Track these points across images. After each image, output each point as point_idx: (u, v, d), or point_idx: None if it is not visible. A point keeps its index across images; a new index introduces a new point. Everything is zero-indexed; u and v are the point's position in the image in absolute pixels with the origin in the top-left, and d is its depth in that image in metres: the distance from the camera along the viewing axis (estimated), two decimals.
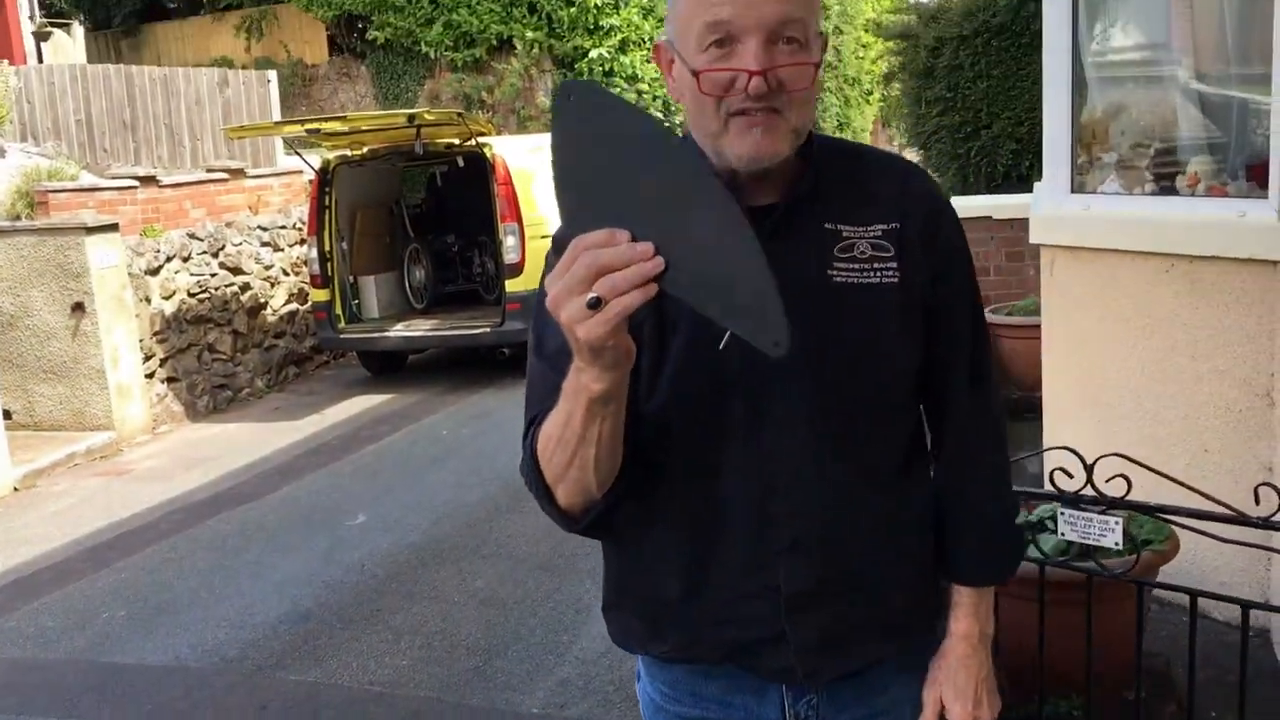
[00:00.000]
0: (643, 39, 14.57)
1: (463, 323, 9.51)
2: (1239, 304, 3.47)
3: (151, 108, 12.26)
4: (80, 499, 6.75)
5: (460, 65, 15.36)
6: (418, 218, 10.81)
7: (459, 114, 8.95)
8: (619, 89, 14.35)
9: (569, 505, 1.37)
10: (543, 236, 8.35)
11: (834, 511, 1.41)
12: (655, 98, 14.21)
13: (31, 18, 16.02)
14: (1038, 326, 4.70)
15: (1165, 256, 3.68)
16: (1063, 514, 2.20)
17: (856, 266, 1.40)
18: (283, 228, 10.38)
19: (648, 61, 14.19)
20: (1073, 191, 4.15)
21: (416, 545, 5.49)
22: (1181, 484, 2.12)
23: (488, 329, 9.02)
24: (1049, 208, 4.21)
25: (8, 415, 7.56)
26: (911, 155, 9.85)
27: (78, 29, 17.20)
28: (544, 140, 10.20)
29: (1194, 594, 2.12)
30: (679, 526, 1.43)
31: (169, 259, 8.86)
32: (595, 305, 1.11)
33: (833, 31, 21.29)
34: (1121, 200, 4.03)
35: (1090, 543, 2.17)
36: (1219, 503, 2.03)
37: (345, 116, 9.06)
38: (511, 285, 8.71)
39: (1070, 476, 2.18)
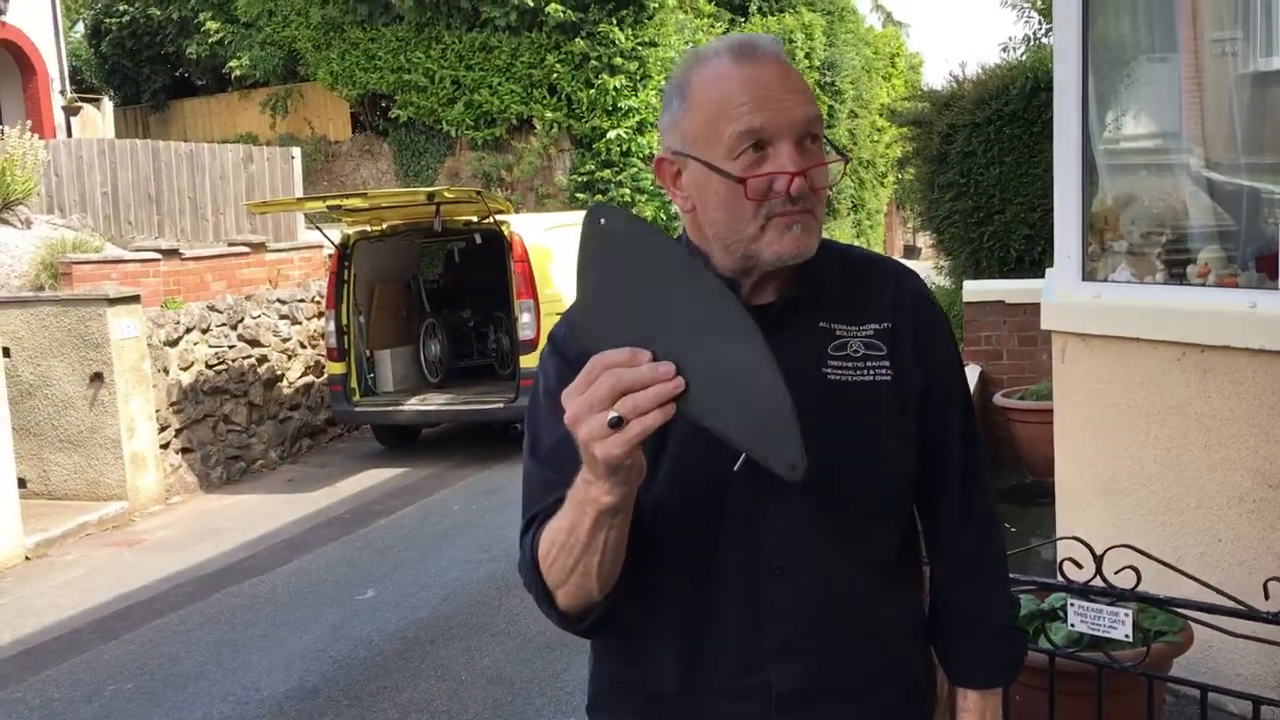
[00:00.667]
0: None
1: (477, 398, 9.55)
2: (1250, 394, 3.48)
3: (177, 182, 12.48)
4: (91, 569, 6.75)
5: (480, 144, 15.62)
6: (435, 293, 10.92)
7: (478, 192, 9.08)
8: (635, 168, 14.56)
9: (569, 608, 1.36)
10: (558, 313, 8.41)
11: (827, 611, 1.42)
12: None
13: (62, 92, 16.39)
14: (1050, 411, 4.71)
15: (1176, 345, 3.70)
16: (1072, 605, 2.19)
17: (851, 365, 1.43)
18: (301, 301, 10.50)
19: None
20: (1084, 279, 4.18)
21: (425, 622, 5.47)
22: (1190, 577, 2.11)
23: (501, 404, 9.06)
24: (1060, 295, 4.24)
25: (22, 484, 7.59)
26: (925, 239, 9.94)
27: (107, 104, 17.58)
28: (561, 218, 10.36)
29: (1204, 689, 2.10)
30: (674, 624, 1.43)
31: (188, 330, 8.96)
32: (616, 425, 1.12)
33: (848, 116, 21.61)
34: (1132, 289, 4.06)
35: (1100, 634, 2.16)
36: (1228, 596, 2.02)
37: (366, 193, 9.19)
38: (526, 361, 8.76)
39: (1080, 567, 2.18)
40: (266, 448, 9.63)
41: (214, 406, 9.12)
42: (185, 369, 8.87)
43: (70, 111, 16.19)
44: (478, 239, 9.75)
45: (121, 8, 18.65)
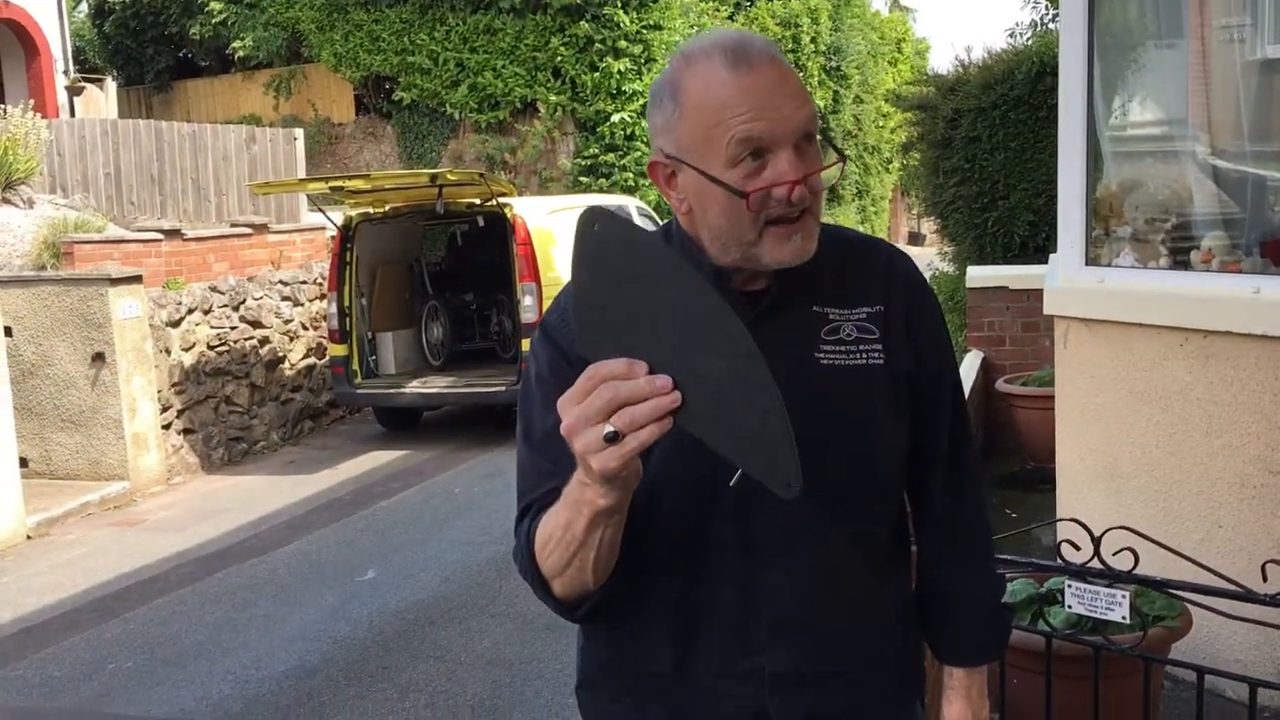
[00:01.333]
0: None
1: (478, 381, 9.55)
2: (1252, 380, 3.47)
3: (179, 162, 12.46)
4: (92, 549, 6.77)
5: (484, 127, 15.59)
6: (437, 276, 10.91)
7: (481, 174, 9.06)
8: (639, 152, 14.52)
9: (565, 596, 1.37)
10: None
11: (820, 594, 1.42)
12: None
13: (65, 72, 16.36)
14: (1052, 397, 4.70)
15: (1179, 331, 3.68)
16: (1069, 586, 2.19)
17: (843, 349, 1.43)
18: (303, 283, 10.49)
19: None
20: (1087, 264, 4.17)
21: (425, 603, 5.47)
22: (1188, 559, 2.11)
23: (503, 387, 9.05)
24: (1063, 280, 4.23)
25: (24, 463, 7.60)
26: (929, 224, 9.92)
27: (110, 84, 17.55)
28: (564, 201, 10.35)
29: (1201, 671, 2.10)
30: (668, 607, 1.44)
31: (190, 311, 8.96)
32: (613, 439, 1.11)
33: (853, 101, 21.55)
34: (1136, 274, 4.05)
35: (1097, 616, 2.16)
36: (1225, 578, 2.02)
37: (369, 175, 9.18)
38: (528, 344, 8.74)
39: (1078, 549, 2.17)
40: (268, 429, 9.64)
41: (216, 387, 9.13)
42: (187, 350, 8.87)
43: (73, 91, 16.17)
44: (480, 221, 9.73)
45: None
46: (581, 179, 14.92)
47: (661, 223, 1.49)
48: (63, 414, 8.00)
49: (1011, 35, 12.92)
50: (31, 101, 12.53)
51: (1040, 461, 6.32)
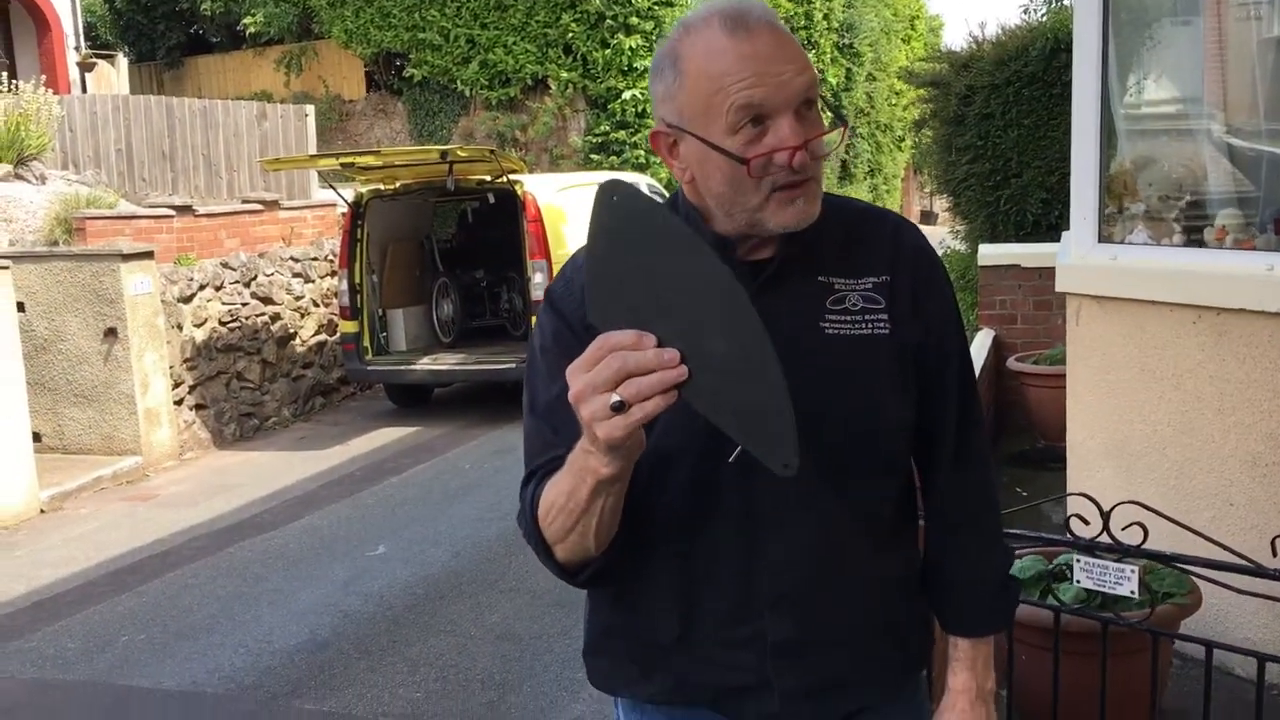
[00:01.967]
0: None
1: (489, 358, 9.55)
2: (1265, 358, 3.45)
3: (190, 139, 12.46)
4: (105, 523, 6.81)
5: (495, 104, 15.54)
6: (447, 253, 10.91)
7: (491, 151, 9.05)
8: (649, 129, 14.45)
9: (567, 561, 1.38)
10: None
11: (822, 565, 1.43)
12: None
13: (77, 48, 16.36)
14: (1064, 376, 4.69)
15: (1192, 308, 3.67)
16: (1078, 561, 2.18)
17: (849, 319, 1.42)
18: (314, 259, 10.50)
19: None
20: (1100, 241, 4.15)
21: (435, 578, 5.50)
22: (1198, 533, 2.10)
23: (513, 364, 9.06)
24: (1076, 257, 4.21)
25: (37, 438, 7.64)
26: (941, 202, 9.88)
27: (121, 60, 17.55)
28: (575, 178, 10.32)
29: (1209, 645, 2.09)
30: (671, 575, 1.45)
31: (202, 287, 8.97)
32: (619, 409, 1.12)
33: (866, 78, 21.43)
34: (1149, 250, 4.03)
35: (1105, 590, 2.15)
36: (1235, 553, 2.01)
37: (379, 151, 9.18)
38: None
39: (1087, 523, 2.17)
40: (279, 405, 9.67)
41: (227, 364, 9.16)
42: (199, 326, 8.89)
43: (85, 68, 16.16)
44: (491, 198, 9.72)
45: None
46: (593, 156, 14.87)
47: None
48: (75, 389, 8.04)
49: (1026, 11, 12.84)
50: (43, 77, 12.53)
51: (1051, 440, 6.31)
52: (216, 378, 9.03)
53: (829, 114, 1.40)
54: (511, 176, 9.13)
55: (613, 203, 1.16)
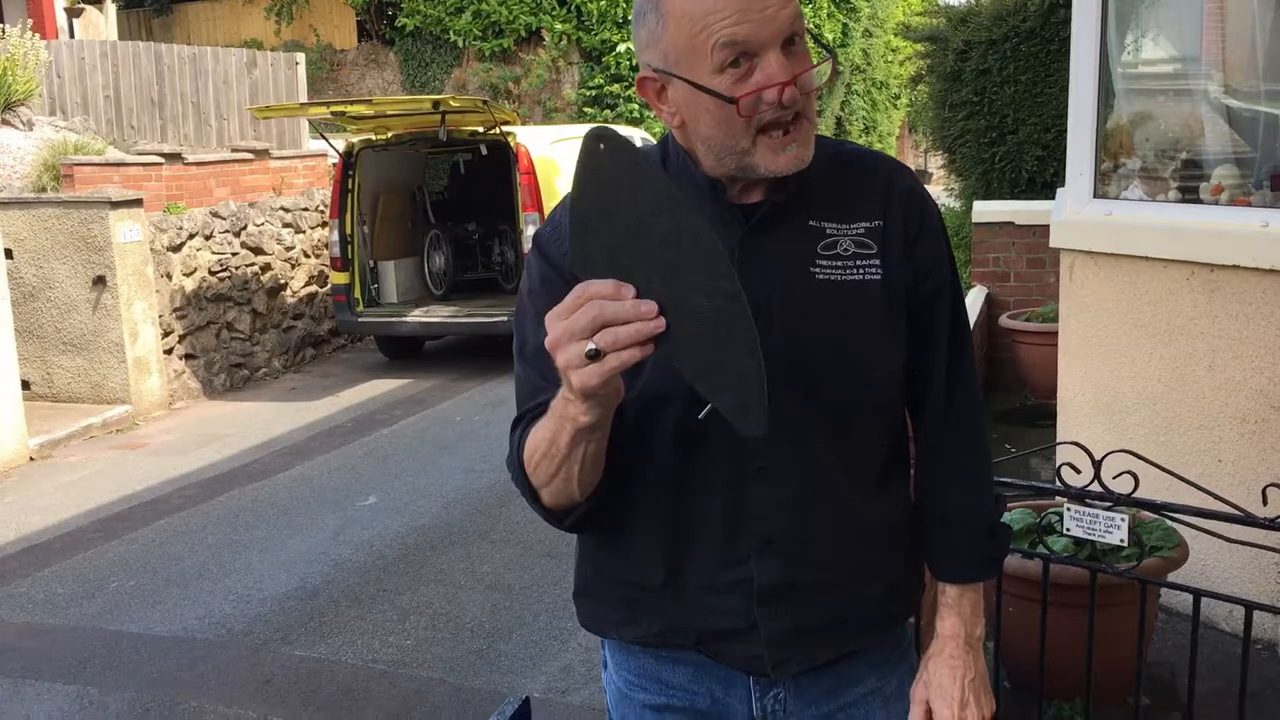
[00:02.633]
0: None
1: (480, 311, 9.53)
2: (1258, 315, 3.45)
3: (180, 86, 12.33)
4: (95, 470, 6.80)
5: (488, 55, 15.39)
6: (439, 204, 10.84)
7: (484, 101, 8.96)
8: None
9: (553, 505, 1.39)
10: None
11: (810, 510, 1.42)
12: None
13: None
14: (1055, 334, 4.69)
15: (1186, 264, 3.66)
16: (1068, 509, 2.19)
17: (840, 264, 1.41)
18: (305, 210, 10.43)
19: None
20: (1095, 196, 4.13)
21: (425, 528, 5.51)
22: (1189, 482, 2.11)
23: (505, 318, 9.03)
24: (1071, 212, 4.19)
25: (26, 386, 7.62)
26: (935, 160, 9.84)
27: (110, 6, 17.28)
28: (568, 131, 10.24)
29: (1198, 593, 2.10)
30: (658, 519, 1.44)
31: (191, 236, 8.91)
32: (594, 356, 1.12)
33: (863, 34, 21.25)
34: (1144, 206, 4.01)
35: (1095, 539, 2.16)
36: (1226, 502, 2.02)
37: (371, 100, 9.08)
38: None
39: (1078, 472, 2.17)
40: (270, 356, 9.64)
41: (217, 314, 9.12)
42: (188, 275, 8.84)
43: (72, 13, 15.92)
44: (483, 150, 9.65)
45: None
46: (586, 110, 14.75)
47: None
48: (64, 337, 8.00)
49: None
50: (30, 22, 12.34)
51: (1041, 398, 6.34)
52: (206, 328, 8.99)
53: (816, 50, 1.38)
54: (504, 128, 9.06)
55: (599, 151, 1.15)
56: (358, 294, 9.47)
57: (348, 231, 9.34)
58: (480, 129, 9.26)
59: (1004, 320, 6.72)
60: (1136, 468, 2.14)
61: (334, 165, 9.89)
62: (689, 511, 1.43)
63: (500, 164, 9.43)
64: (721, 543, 1.43)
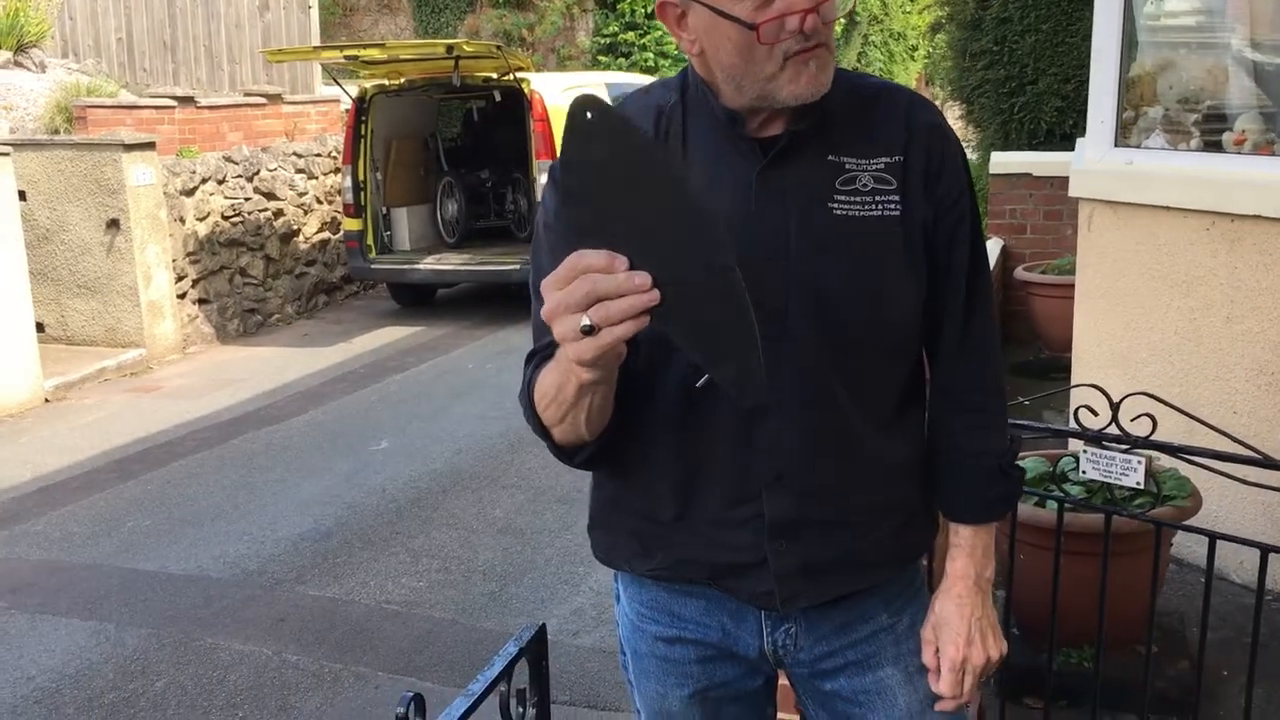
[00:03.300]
0: None
1: (493, 259, 9.51)
2: (1278, 265, 3.42)
3: (192, 29, 12.24)
4: (110, 413, 6.84)
5: (502, 1, 15.24)
6: (452, 151, 10.79)
7: (498, 47, 8.89)
8: (660, 31, 14.21)
9: (563, 443, 1.39)
10: None
11: (822, 446, 1.42)
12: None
13: None
14: (1071, 287, 4.65)
15: (1206, 214, 3.62)
16: (1085, 452, 2.18)
17: (858, 199, 1.39)
18: (318, 155, 10.39)
19: None
20: (1116, 145, 4.08)
21: (438, 473, 5.54)
22: (1206, 424, 2.10)
23: (518, 266, 9.02)
24: (1091, 161, 4.15)
25: (41, 328, 7.64)
26: (953, 111, 9.74)
27: None
28: (583, 78, 10.15)
29: (1213, 536, 2.10)
30: (670, 455, 1.44)
31: (204, 180, 8.89)
32: (589, 332, 1.12)
33: None
34: (1165, 155, 3.97)
35: (1111, 481, 2.16)
36: (1244, 444, 2.01)
37: (384, 44, 9.00)
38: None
39: (1095, 415, 2.16)
40: (283, 302, 9.65)
41: (230, 259, 9.12)
42: (201, 219, 8.83)
43: None
44: (497, 97, 9.58)
45: None
46: (600, 58, 14.62)
47: None
48: (78, 280, 8.01)
49: None
50: None
51: (1055, 351, 6.31)
52: (219, 272, 8.99)
53: None
54: (519, 74, 8.98)
55: (587, 120, 1.11)
56: (370, 241, 9.46)
57: (360, 178, 9.31)
58: (494, 75, 9.19)
59: (1019, 272, 6.68)
60: (1153, 413, 2.13)
61: (346, 111, 9.83)
62: (701, 447, 1.43)
63: (514, 111, 9.36)
64: (733, 478, 1.43)
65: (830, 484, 1.44)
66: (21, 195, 7.56)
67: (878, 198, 1.39)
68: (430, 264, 9.50)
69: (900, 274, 1.41)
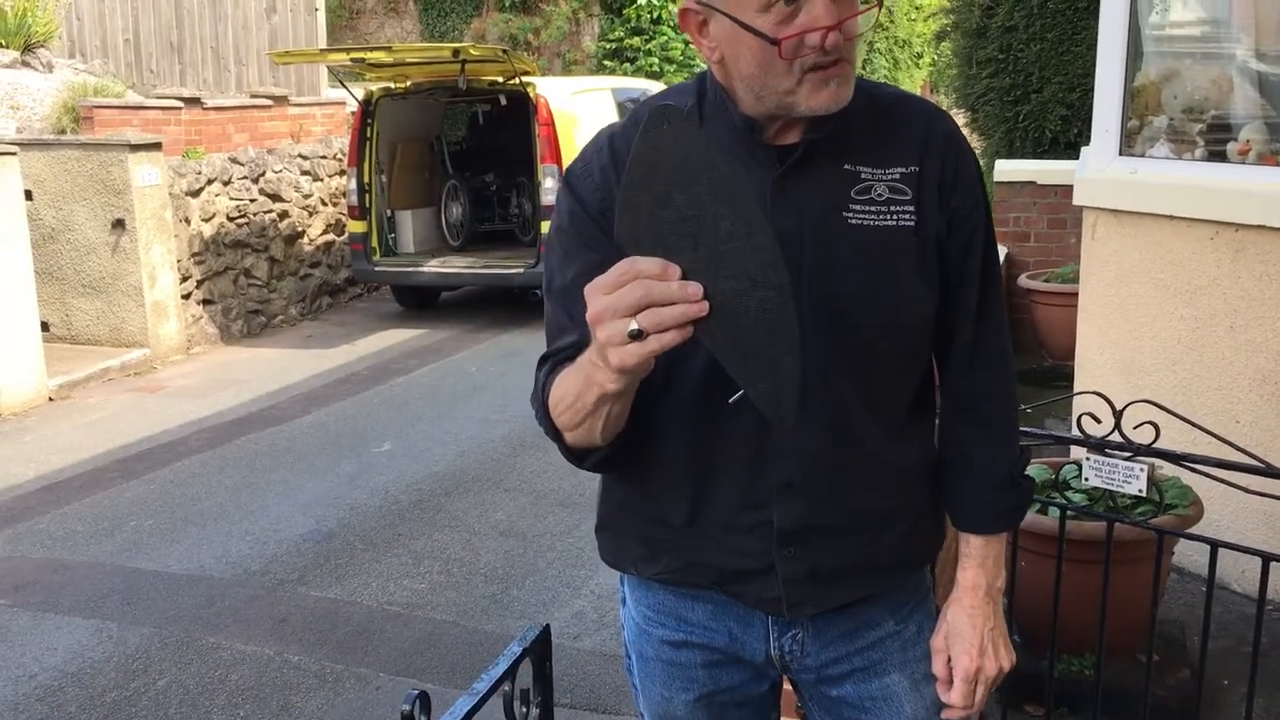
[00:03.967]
0: None
1: (497, 262, 9.52)
2: None
3: (199, 30, 12.28)
4: (113, 412, 6.85)
5: (508, 5, 15.27)
6: (457, 155, 10.80)
7: (504, 51, 8.91)
8: (665, 36, 14.23)
9: (575, 446, 1.39)
10: None
11: (833, 454, 1.42)
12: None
13: None
14: (1074, 295, 4.66)
15: (1210, 224, 3.63)
16: (1088, 459, 2.19)
17: (873, 209, 1.39)
18: (323, 157, 10.41)
19: None
20: (1121, 154, 4.09)
21: (440, 475, 5.55)
22: (1209, 432, 2.10)
23: (521, 270, 9.03)
24: (1095, 169, 4.16)
25: (46, 327, 7.66)
26: (959, 117, 9.74)
27: None
28: (588, 83, 10.17)
29: (1214, 544, 2.11)
30: (682, 460, 1.45)
31: (210, 181, 8.91)
32: (637, 336, 1.11)
33: None
34: (1170, 164, 3.97)
35: (1114, 489, 2.16)
36: (1247, 453, 2.02)
37: (391, 47, 9.02)
38: (548, 227, 8.69)
39: (1098, 422, 2.17)
40: (287, 304, 9.67)
41: (235, 260, 9.13)
42: (207, 220, 8.85)
43: None
44: (502, 100, 9.60)
45: None
46: (605, 62, 14.64)
47: None
48: (83, 279, 8.03)
49: None
50: None
51: (1058, 359, 6.31)
52: (224, 273, 9.01)
53: None
54: (524, 78, 9.00)
55: (662, 131, 1.12)
56: (375, 243, 9.47)
57: (365, 180, 9.33)
58: (500, 79, 9.21)
59: (1023, 280, 6.69)
60: (1156, 422, 2.13)
61: (352, 113, 9.85)
62: (713, 453, 1.43)
63: (519, 115, 9.37)
64: (744, 484, 1.43)
65: (841, 491, 1.44)
66: (28, 194, 7.58)
67: (893, 208, 1.40)
68: (434, 267, 9.51)
69: (913, 284, 1.41)
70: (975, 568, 1.54)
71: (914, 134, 1.43)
